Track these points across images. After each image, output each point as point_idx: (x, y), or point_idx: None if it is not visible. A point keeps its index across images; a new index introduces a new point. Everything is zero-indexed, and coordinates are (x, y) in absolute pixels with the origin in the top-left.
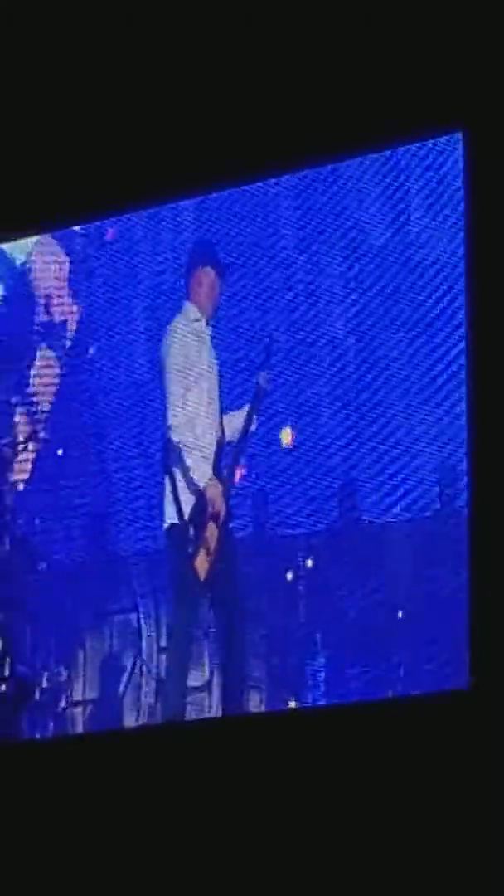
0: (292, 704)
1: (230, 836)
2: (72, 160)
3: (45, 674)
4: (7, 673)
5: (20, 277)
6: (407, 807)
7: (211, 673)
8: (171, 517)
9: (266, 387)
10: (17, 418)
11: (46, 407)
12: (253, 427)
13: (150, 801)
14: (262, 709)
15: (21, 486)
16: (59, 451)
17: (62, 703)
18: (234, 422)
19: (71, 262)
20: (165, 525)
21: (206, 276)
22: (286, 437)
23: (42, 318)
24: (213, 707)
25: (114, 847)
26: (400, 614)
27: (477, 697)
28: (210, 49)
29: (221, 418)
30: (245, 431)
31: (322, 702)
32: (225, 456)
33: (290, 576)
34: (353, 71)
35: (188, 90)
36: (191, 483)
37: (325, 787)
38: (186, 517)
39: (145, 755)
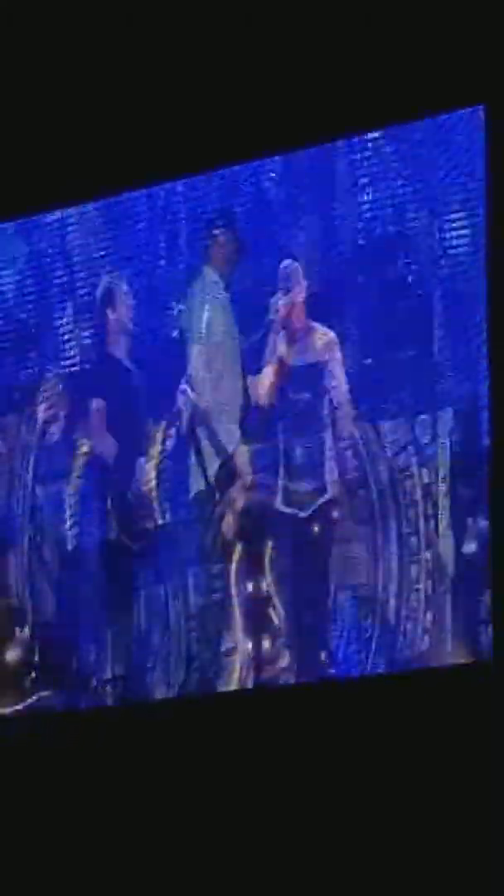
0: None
1: (251, 807)
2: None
3: (77, 652)
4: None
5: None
6: (412, 782)
7: (242, 638)
8: (198, 485)
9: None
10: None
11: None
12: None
13: (179, 772)
14: (294, 668)
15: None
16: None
17: (93, 682)
18: (261, 385)
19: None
20: (191, 494)
21: (226, 239)
22: None
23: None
24: (244, 672)
25: (142, 820)
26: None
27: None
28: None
29: (246, 381)
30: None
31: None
32: (251, 419)
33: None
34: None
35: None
36: (218, 447)
37: (346, 756)
38: (213, 482)
39: (174, 727)
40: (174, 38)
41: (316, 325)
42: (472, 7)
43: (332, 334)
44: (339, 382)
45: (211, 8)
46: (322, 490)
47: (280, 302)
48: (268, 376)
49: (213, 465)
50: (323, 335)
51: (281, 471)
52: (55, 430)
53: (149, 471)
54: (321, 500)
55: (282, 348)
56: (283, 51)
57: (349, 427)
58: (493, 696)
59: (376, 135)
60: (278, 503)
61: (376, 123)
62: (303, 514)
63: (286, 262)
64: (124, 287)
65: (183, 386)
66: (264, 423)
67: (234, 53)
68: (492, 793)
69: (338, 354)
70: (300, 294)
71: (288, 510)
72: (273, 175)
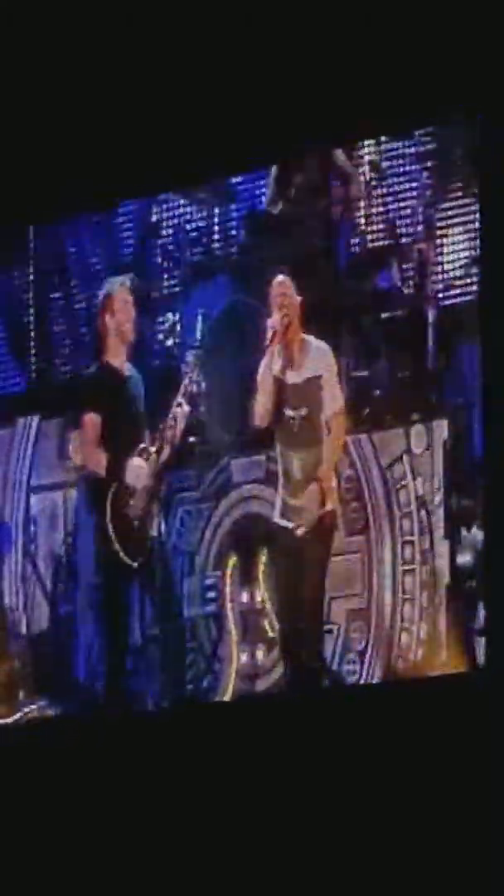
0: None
1: (235, 815)
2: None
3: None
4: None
5: None
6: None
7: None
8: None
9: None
10: None
11: None
12: None
13: (174, 782)
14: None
15: None
16: None
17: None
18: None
19: None
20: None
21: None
22: None
23: None
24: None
25: (136, 828)
26: None
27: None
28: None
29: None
30: None
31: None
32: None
33: None
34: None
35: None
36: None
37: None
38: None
39: (168, 738)
40: (168, 52)
41: (311, 339)
42: (464, 20)
43: (326, 347)
44: (335, 394)
45: (205, 24)
46: (320, 502)
47: (275, 317)
48: (265, 396)
49: (208, 477)
50: (318, 349)
51: (280, 483)
52: (50, 441)
53: (143, 479)
54: (318, 513)
55: (277, 367)
56: (278, 66)
57: (344, 438)
58: (488, 705)
59: (371, 148)
60: (276, 516)
61: (371, 136)
62: (299, 529)
63: (280, 277)
64: (125, 294)
65: (179, 399)
66: (261, 435)
67: (224, 69)
68: (488, 802)
69: (334, 367)
70: (294, 310)
71: (285, 523)
72: (267, 188)
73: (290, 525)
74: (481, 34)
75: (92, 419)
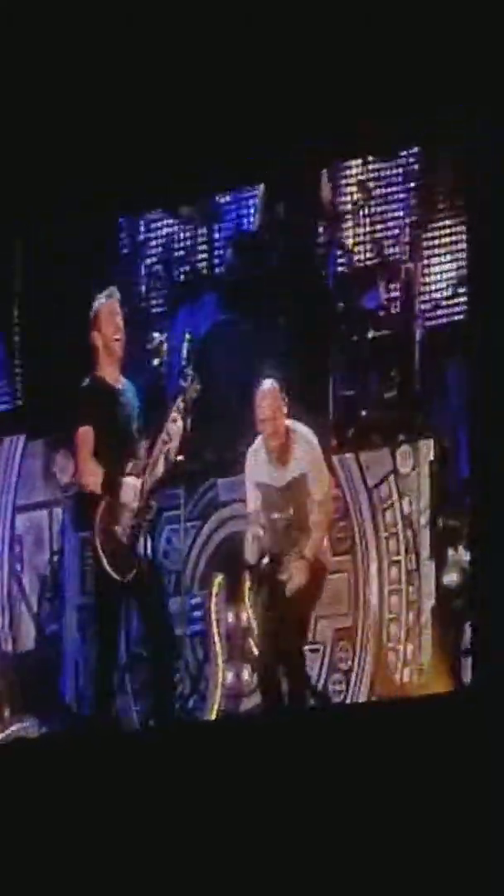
0: None
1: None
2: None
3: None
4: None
5: None
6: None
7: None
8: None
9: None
10: None
11: None
12: None
13: (160, 801)
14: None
15: None
16: None
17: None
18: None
19: None
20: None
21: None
22: None
23: None
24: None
25: (121, 845)
26: None
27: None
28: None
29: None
30: None
31: None
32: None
33: None
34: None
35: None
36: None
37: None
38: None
39: (153, 756)
40: (158, 71)
41: (297, 427)
42: (452, 43)
43: (311, 438)
44: (320, 484)
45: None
46: (301, 550)
47: (264, 427)
48: (252, 502)
49: (194, 496)
50: (304, 441)
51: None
52: (36, 461)
53: (136, 497)
54: (299, 559)
55: (262, 460)
56: (265, 87)
57: (330, 521)
58: (475, 723)
59: (358, 169)
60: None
61: (359, 155)
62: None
63: (267, 385)
64: (112, 307)
65: (174, 415)
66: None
67: (215, 88)
68: (478, 819)
69: (319, 458)
70: (281, 418)
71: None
72: (254, 208)
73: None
74: (469, 55)
75: (86, 432)
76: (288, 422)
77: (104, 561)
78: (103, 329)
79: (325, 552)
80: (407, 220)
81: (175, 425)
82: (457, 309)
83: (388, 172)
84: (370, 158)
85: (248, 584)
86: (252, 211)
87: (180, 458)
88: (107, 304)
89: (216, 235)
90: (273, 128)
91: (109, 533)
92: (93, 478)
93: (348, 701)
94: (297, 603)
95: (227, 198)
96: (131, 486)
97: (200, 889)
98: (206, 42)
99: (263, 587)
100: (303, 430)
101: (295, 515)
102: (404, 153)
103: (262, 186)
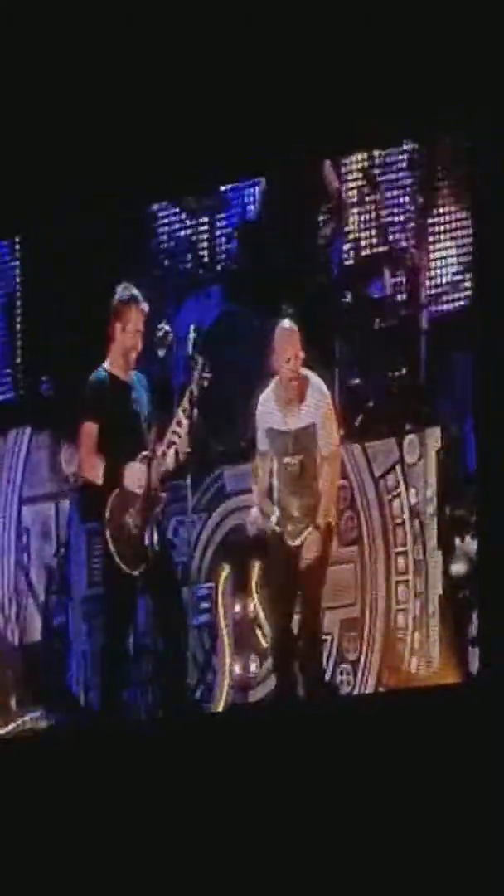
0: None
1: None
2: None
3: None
4: None
5: None
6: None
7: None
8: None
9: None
10: None
11: None
12: None
13: (167, 792)
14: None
15: None
16: None
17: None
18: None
19: None
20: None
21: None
22: None
23: None
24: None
25: (129, 837)
26: None
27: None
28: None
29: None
30: None
31: None
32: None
33: None
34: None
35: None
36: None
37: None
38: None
39: (161, 747)
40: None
41: (311, 377)
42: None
43: (323, 389)
44: (329, 437)
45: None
46: (313, 514)
47: (280, 366)
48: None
49: (201, 487)
50: (316, 390)
51: (275, 495)
52: (42, 452)
53: (143, 485)
54: (311, 526)
55: (273, 405)
56: (269, 77)
57: (339, 478)
58: (483, 714)
59: (364, 160)
60: (273, 524)
61: (362, 147)
62: (293, 541)
63: (285, 324)
64: (139, 308)
65: (185, 405)
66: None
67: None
68: (485, 811)
69: (329, 410)
70: (298, 359)
71: (279, 531)
72: (257, 197)
73: (284, 536)
74: (471, 49)
75: (89, 428)
76: (302, 369)
77: (115, 554)
78: (127, 328)
79: (334, 518)
80: (411, 208)
81: (184, 416)
82: (461, 296)
83: (392, 161)
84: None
85: (255, 576)
86: (255, 201)
87: (189, 449)
88: (138, 305)
89: (220, 226)
90: (274, 122)
91: (120, 525)
92: (94, 471)
93: (356, 691)
94: (311, 578)
95: (231, 189)
96: (141, 475)
97: (202, 881)
98: (207, 37)
99: (275, 564)
100: (315, 380)
101: (304, 462)
102: (407, 146)
103: (264, 178)
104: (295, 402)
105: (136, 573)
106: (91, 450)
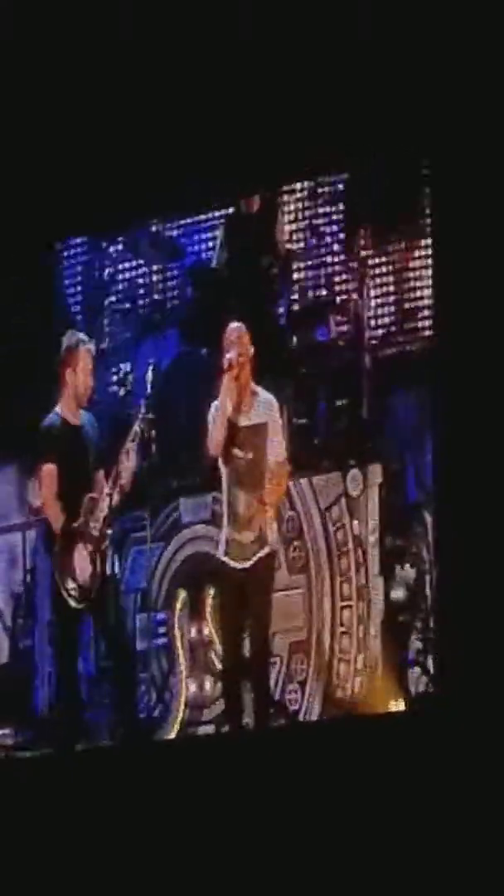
0: None
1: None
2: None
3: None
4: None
5: None
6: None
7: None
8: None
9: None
10: None
11: None
12: None
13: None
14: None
15: None
16: None
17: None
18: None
19: None
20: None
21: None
22: None
23: None
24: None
25: (88, 859)
26: None
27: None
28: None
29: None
30: None
31: None
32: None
33: None
34: None
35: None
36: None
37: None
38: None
39: (120, 769)
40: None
41: (260, 389)
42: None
43: (272, 400)
44: (278, 443)
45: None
46: (262, 541)
47: (232, 353)
48: (218, 430)
49: (159, 518)
50: (265, 401)
51: (225, 520)
52: (9, 486)
53: (95, 527)
54: (261, 553)
55: (229, 407)
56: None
57: (286, 485)
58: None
59: (309, 208)
60: (220, 553)
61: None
62: (242, 566)
63: (235, 324)
64: (87, 352)
65: (127, 446)
66: (209, 476)
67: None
68: (434, 826)
69: (278, 419)
70: (248, 354)
71: (229, 561)
72: (214, 238)
73: (234, 563)
74: (422, 91)
75: (50, 470)
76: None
77: (62, 589)
78: (78, 372)
79: (275, 534)
80: (354, 254)
81: (129, 456)
82: (402, 339)
83: (334, 213)
84: (319, 201)
85: (209, 601)
86: (211, 248)
87: (144, 482)
88: (85, 348)
89: (176, 272)
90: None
91: (66, 563)
92: (55, 520)
93: (303, 710)
94: (258, 601)
95: (186, 234)
96: (91, 518)
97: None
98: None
99: (226, 591)
100: (265, 393)
101: (254, 460)
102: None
103: (221, 226)
104: (244, 408)
105: (81, 606)
106: (53, 493)
